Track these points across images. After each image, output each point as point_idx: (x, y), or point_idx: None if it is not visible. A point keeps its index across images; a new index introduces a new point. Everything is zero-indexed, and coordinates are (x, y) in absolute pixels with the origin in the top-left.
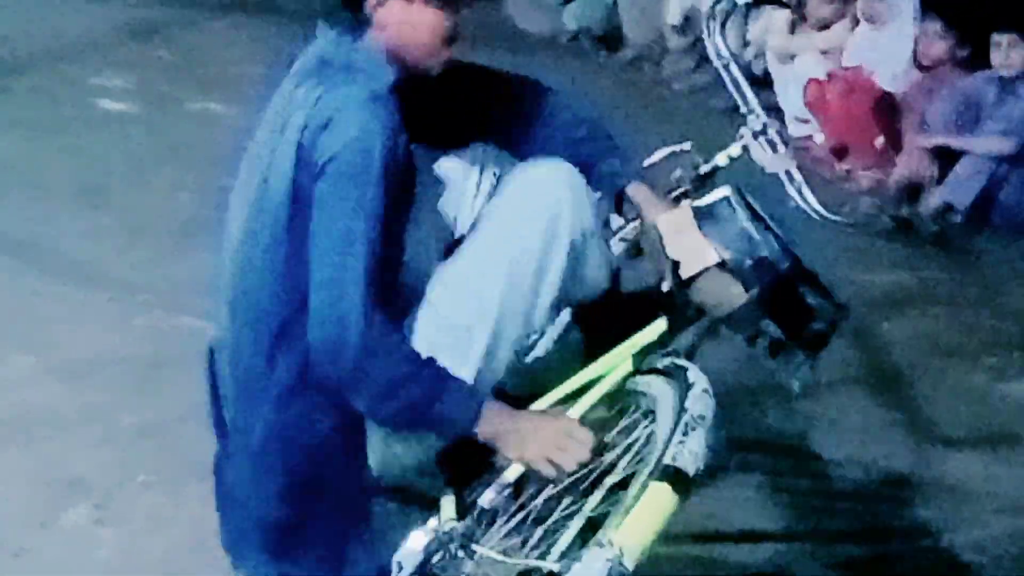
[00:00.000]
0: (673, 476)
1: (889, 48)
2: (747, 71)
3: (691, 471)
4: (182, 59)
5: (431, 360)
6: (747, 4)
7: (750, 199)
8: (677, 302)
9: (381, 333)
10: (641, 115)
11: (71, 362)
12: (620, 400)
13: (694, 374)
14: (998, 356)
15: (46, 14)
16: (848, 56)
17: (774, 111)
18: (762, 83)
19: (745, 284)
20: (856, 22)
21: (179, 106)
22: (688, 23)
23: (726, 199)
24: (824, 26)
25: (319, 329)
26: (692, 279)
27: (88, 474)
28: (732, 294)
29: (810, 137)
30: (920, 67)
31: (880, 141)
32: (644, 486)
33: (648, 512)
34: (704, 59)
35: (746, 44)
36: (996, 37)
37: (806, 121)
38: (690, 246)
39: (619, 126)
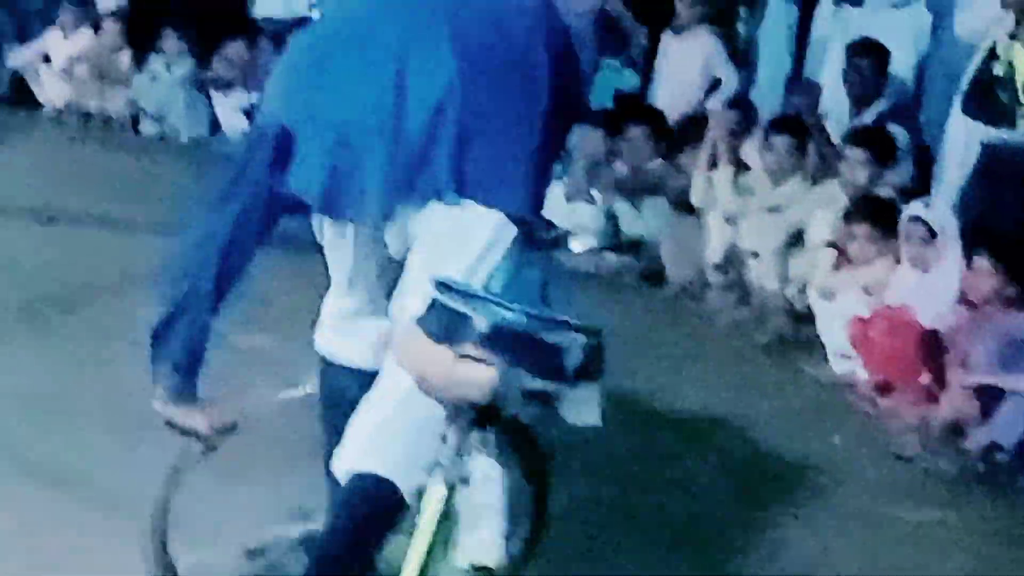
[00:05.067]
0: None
1: (933, 288)
2: (790, 308)
3: (491, 561)
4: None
5: None
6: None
7: (456, 284)
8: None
9: None
10: (683, 350)
11: None
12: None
13: (473, 465)
14: None
15: (95, 250)
16: (892, 295)
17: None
18: (805, 319)
19: (488, 361)
20: (898, 259)
21: (225, 341)
22: (729, 261)
23: (432, 300)
24: (867, 263)
25: None
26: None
27: None
28: (483, 377)
29: (854, 374)
30: (967, 303)
31: (925, 379)
32: None
33: None
34: (746, 295)
35: (787, 280)
36: None
37: (849, 358)
38: (427, 360)
39: (662, 360)
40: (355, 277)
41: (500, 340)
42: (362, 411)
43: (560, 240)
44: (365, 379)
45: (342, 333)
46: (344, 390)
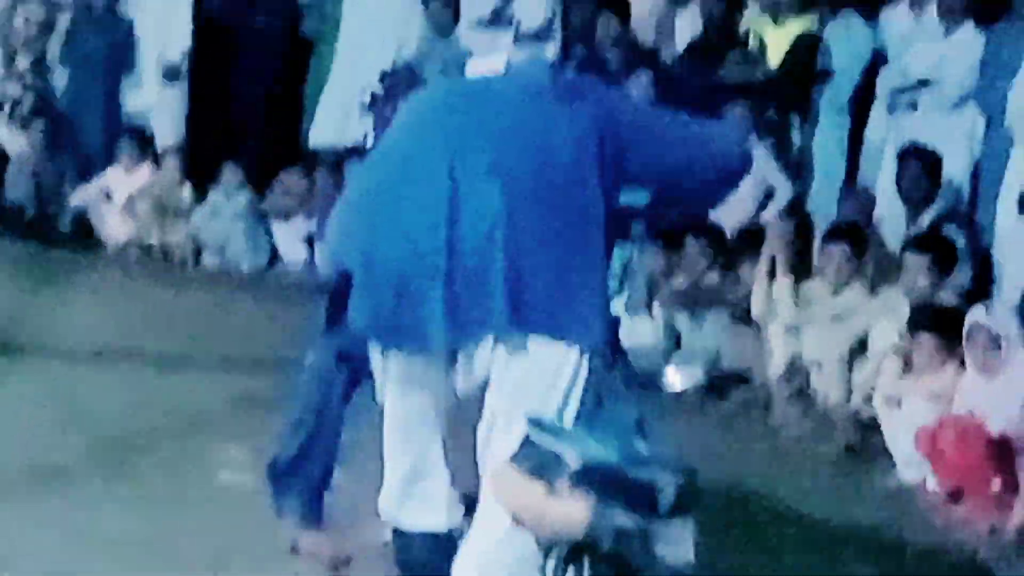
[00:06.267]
0: None
1: (1001, 394)
2: (856, 417)
3: None
4: None
5: None
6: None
7: (546, 422)
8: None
9: None
10: (750, 462)
11: None
12: None
13: None
14: None
15: (163, 389)
16: (959, 401)
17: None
18: (871, 428)
19: (579, 498)
20: (963, 366)
21: None
22: (793, 372)
23: (525, 438)
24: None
25: None
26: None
27: None
28: (576, 513)
29: (924, 482)
30: None
31: (996, 485)
32: None
33: None
34: (811, 406)
35: (852, 389)
36: None
37: (918, 466)
38: (522, 497)
39: (728, 473)
40: (414, 431)
41: (592, 477)
42: (464, 550)
43: (656, 378)
44: (437, 543)
45: (407, 497)
46: (418, 556)
